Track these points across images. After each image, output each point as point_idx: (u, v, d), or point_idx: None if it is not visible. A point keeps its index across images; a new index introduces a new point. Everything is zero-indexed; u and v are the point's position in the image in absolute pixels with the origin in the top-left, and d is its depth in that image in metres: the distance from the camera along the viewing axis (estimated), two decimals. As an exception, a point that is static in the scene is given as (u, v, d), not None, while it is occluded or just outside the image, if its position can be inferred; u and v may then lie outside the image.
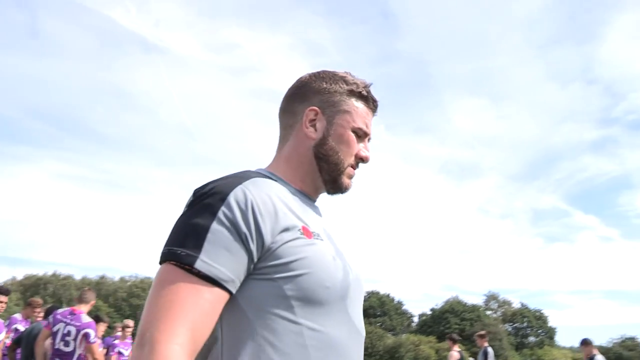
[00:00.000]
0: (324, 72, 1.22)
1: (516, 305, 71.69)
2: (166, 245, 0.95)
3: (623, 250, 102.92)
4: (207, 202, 0.97)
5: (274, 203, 1.00)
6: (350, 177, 1.21)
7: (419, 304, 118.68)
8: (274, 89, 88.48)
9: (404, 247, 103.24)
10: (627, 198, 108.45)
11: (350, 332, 1.05)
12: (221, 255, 0.92)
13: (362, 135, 1.20)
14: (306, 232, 1.04)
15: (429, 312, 66.94)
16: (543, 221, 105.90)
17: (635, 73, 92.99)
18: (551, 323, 68.76)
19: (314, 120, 1.17)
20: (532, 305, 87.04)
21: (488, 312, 68.84)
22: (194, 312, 0.89)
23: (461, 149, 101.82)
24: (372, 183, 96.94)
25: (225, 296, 0.94)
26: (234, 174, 1.06)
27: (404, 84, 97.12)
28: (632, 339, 63.80)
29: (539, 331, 68.95)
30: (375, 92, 1.24)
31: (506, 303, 71.95)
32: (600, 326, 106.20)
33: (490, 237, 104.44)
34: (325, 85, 1.18)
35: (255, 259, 0.96)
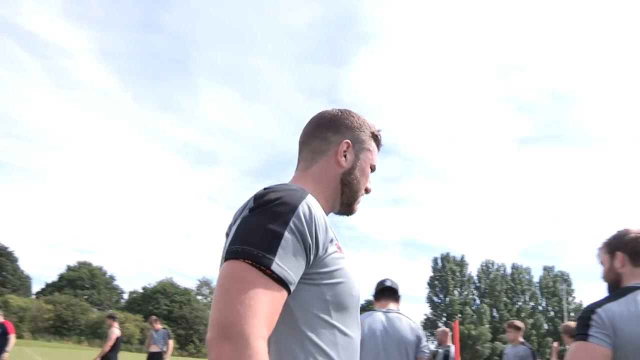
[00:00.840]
0: (350, 111, 1.44)
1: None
2: (238, 243, 1.04)
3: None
4: (277, 210, 1.08)
5: (324, 219, 1.16)
6: (359, 203, 1.45)
7: (133, 280, 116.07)
8: (18, 24, 77.47)
9: (125, 220, 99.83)
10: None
11: (359, 337, 1.25)
12: (290, 261, 1.04)
13: (373, 171, 1.46)
14: (339, 247, 1.21)
15: (140, 291, 65.98)
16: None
17: (369, 104, 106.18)
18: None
19: (346, 151, 1.37)
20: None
21: (199, 297, 70.80)
22: (269, 309, 0.99)
23: (203, 135, 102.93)
24: (111, 150, 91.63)
25: (286, 296, 1.05)
26: (287, 185, 1.20)
27: (161, 57, 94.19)
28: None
29: (242, 319, 73.45)
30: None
31: (218, 290, 74.91)
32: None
33: (215, 225, 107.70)
34: (355, 124, 1.41)
35: (308, 266, 1.11)
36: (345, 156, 1.37)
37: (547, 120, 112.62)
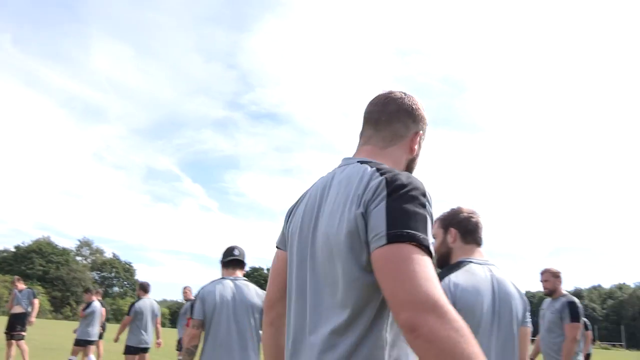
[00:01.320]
0: (419, 101, 1.56)
1: (109, 255, 72.61)
2: (404, 227, 1.14)
3: (218, 221, 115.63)
4: (415, 194, 1.19)
5: None
6: None
7: (5, 239, 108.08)
8: None
9: (6, 173, 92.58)
10: (231, 176, 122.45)
11: None
12: (430, 239, 1.16)
13: None
14: None
15: (12, 250, 61.85)
16: (155, 180, 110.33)
17: (267, 71, 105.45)
18: (138, 276, 72.04)
19: (417, 141, 1.52)
20: (126, 257, 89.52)
21: (78, 258, 67.69)
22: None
23: (93, 89, 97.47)
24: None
25: None
26: (394, 168, 1.30)
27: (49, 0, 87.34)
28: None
29: (124, 282, 71.34)
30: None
31: (98, 251, 72.10)
32: (182, 284, 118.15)
33: (100, 184, 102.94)
34: (425, 116, 1.56)
35: None
36: (415, 145, 1.52)
37: (438, 104, 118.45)
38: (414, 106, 1.53)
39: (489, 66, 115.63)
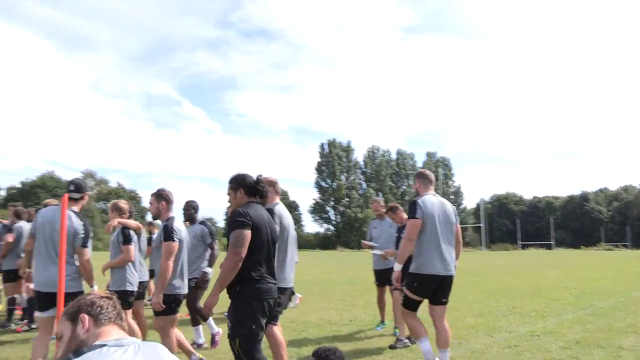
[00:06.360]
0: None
1: (113, 184, 73.39)
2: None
3: (222, 143, 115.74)
4: None
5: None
6: None
7: (18, 176, 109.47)
8: None
9: (10, 113, 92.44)
10: (230, 97, 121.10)
11: None
12: None
13: None
14: None
15: (19, 186, 62.76)
16: (154, 107, 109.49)
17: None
18: (144, 204, 73.17)
19: None
20: (133, 186, 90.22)
21: (83, 190, 68.42)
22: None
23: (77, 16, 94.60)
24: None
25: None
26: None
27: None
28: (210, 219, 78.50)
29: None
30: None
31: (103, 182, 72.91)
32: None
33: (100, 115, 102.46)
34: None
35: None
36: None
37: (432, 11, 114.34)
38: None
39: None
